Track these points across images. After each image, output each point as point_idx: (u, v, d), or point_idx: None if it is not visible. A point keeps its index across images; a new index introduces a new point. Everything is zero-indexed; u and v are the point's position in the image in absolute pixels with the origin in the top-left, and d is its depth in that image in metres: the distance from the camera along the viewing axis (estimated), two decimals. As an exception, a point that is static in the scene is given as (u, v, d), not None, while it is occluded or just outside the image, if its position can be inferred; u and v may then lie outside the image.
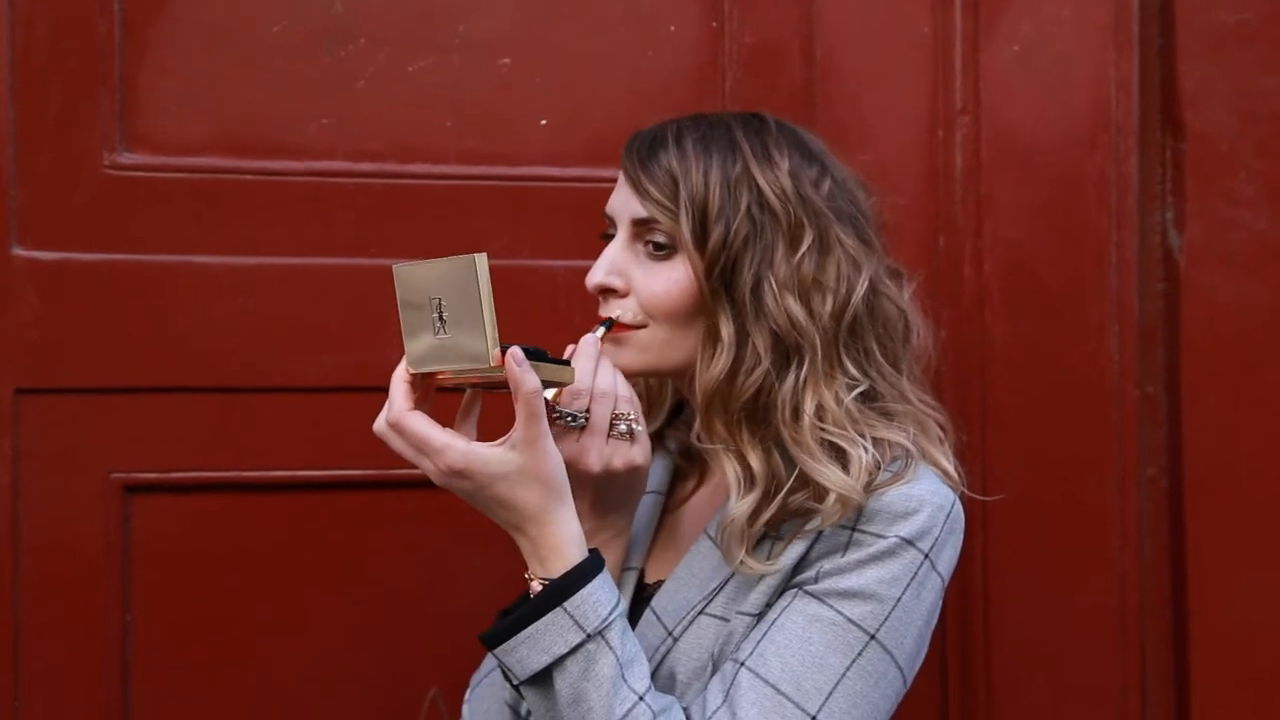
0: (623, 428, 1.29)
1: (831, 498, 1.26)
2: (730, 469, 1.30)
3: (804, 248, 1.30)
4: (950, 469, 1.34)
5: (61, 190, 1.66)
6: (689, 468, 1.47)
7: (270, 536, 1.71)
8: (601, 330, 1.32)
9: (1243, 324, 1.84)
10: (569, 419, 1.27)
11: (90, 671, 1.66)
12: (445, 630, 1.72)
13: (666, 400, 1.49)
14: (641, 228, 1.33)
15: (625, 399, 1.30)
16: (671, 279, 1.31)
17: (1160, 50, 1.85)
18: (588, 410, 1.28)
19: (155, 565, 1.68)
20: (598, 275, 1.34)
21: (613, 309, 1.34)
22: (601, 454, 1.29)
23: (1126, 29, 1.83)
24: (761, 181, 1.31)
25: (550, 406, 1.26)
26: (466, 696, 1.47)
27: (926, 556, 1.26)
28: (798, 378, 1.29)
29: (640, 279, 1.33)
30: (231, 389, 1.70)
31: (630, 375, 1.34)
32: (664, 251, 1.32)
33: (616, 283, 1.33)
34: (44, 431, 1.66)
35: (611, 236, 1.37)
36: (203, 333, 1.69)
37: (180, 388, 1.69)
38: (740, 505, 1.28)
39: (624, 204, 1.35)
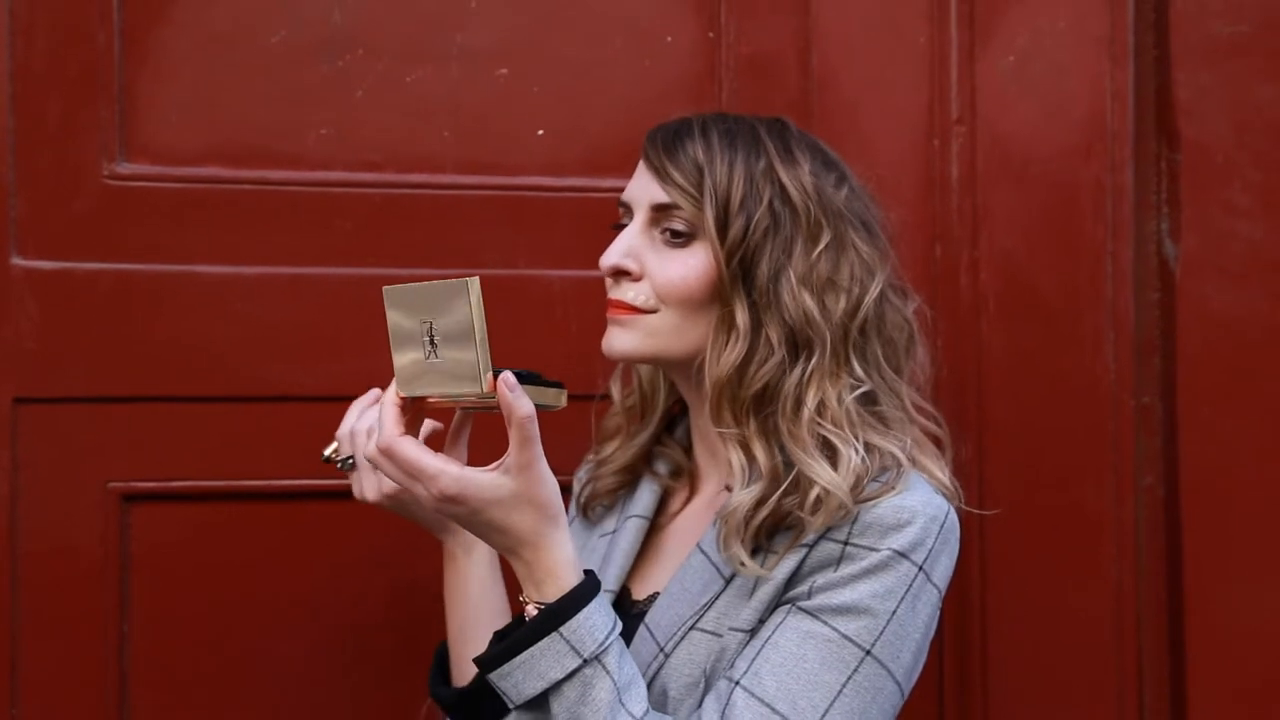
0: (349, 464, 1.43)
1: (814, 492, 1.25)
2: (735, 458, 1.30)
3: (821, 245, 1.32)
4: (946, 482, 1.35)
5: (61, 200, 1.67)
6: (678, 486, 1.47)
7: (269, 546, 1.71)
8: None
9: (1239, 334, 1.84)
10: (340, 464, 1.41)
11: (88, 681, 1.66)
12: (444, 639, 1.72)
13: (659, 407, 1.49)
14: (661, 214, 1.34)
15: (344, 437, 1.46)
16: (689, 265, 1.32)
17: (1155, 61, 1.85)
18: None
19: (153, 575, 1.68)
20: (613, 257, 1.35)
21: (624, 292, 1.35)
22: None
23: (1122, 40, 1.83)
24: (784, 178, 1.32)
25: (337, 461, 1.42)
26: None
27: (920, 568, 1.26)
28: (804, 371, 1.30)
29: (655, 264, 1.34)
30: (230, 398, 1.70)
31: (636, 360, 1.36)
32: (681, 239, 1.33)
33: (631, 265, 1.34)
34: (42, 441, 1.66)
35: (623, 226, 1.37)
36: (202, 342, 1.69)
37: (179, 397, 1.69)
38: (744, 494, 1.28)
39: (644, 189, 1.35)
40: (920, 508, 1.27)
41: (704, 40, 1.80)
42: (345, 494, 1.71)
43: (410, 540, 1.73)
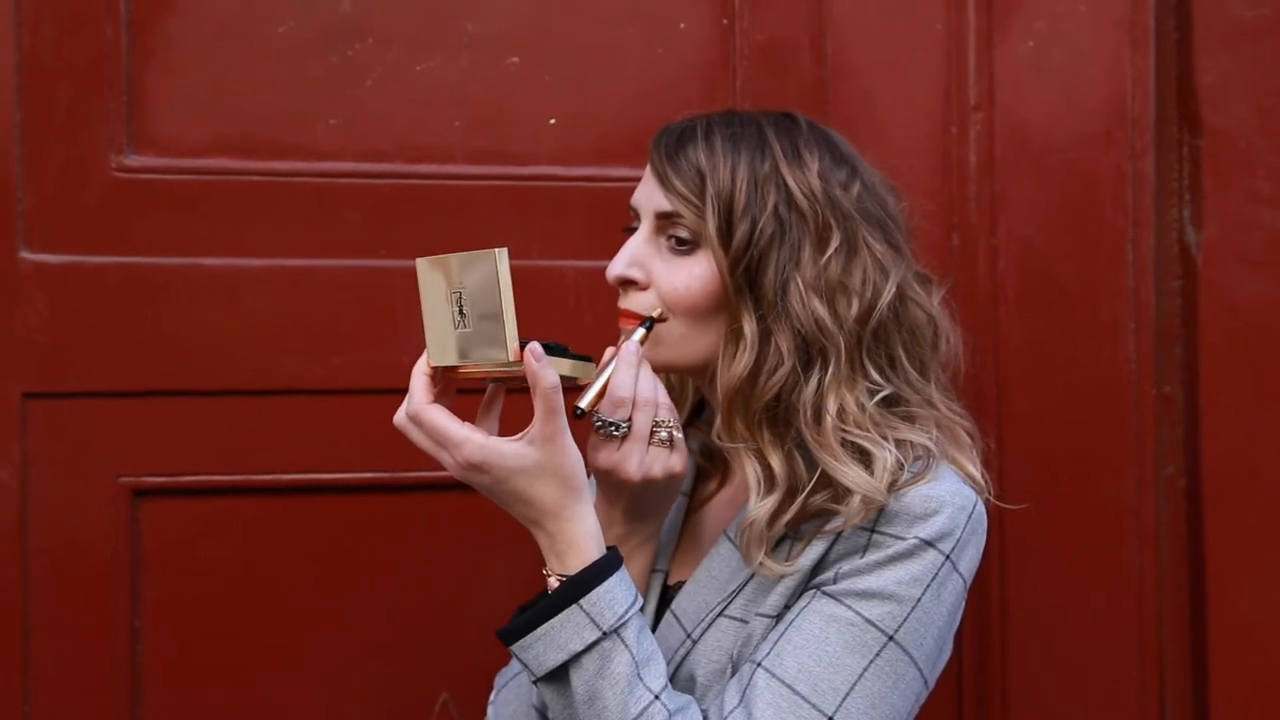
0: (663, 434, 1.29)
1: (855, 499, 1.25)
2: (751, 469, 1.29)
3: (831, 249, 1.29)
4: (977, 475, 1.33)
5: (68, 193, 1.66)
6: (711, 468, 1.46)
7: (279, 540, 1.71)
8: (641, 333, 1.31)
9: (1261, 322, 1.83)
10: (612, 428, 1.27)
11: (100, 676, 1.66)
12: (456, 634, 1.72)
13: (688, 399, 1.48)
14: (665, 221, 1.32)
15: (665, 406, 1.29)
16: (693, 274, 1.30)
17: (1177, 45, 1.83)
18: (629, 419, 1.27)
19: (164, 569, 1.68)
20: (618, 267, 1.34)
21: (632, 301, 1.33)
22: (642, 462, 1.28)
23: (1142, 24, 1.82)
24: (790, 181, 1.30)
25: (592, 415, 1.26)
26: (491, 698, 1.46)
27: (948, 558, 1.25)
28: (820, 380, 1.28)
29: (661, 272, 1.32)
30: (239, 392, 1.69)
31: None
32: (686, 246, 1.31)
33: (637, 275, 1.33)
34: (52, 435, 1.65)
35: (634, 230, 1.36)
36: (210, 335, 1.68)
37: (188, 391, 1.68)
38: (761, 507, 1.28)
39: (648, 197, 1.34)
40: (948, 497, 1.26)
41: (718, 27, 1.79)
42: (355, 488, 1.71)
43: (421, 534, 1.73)
